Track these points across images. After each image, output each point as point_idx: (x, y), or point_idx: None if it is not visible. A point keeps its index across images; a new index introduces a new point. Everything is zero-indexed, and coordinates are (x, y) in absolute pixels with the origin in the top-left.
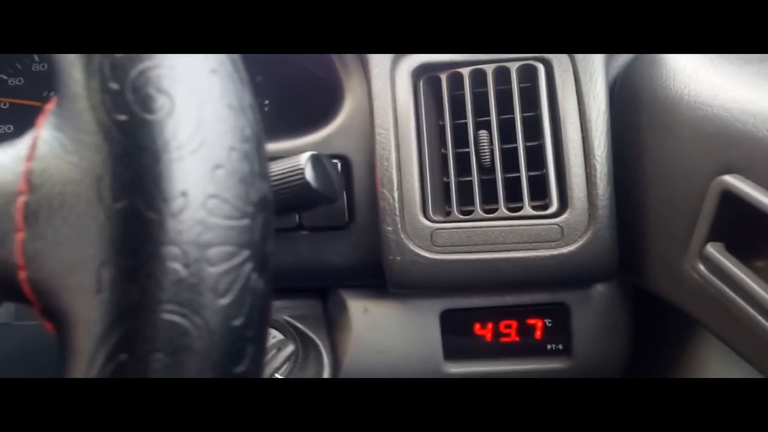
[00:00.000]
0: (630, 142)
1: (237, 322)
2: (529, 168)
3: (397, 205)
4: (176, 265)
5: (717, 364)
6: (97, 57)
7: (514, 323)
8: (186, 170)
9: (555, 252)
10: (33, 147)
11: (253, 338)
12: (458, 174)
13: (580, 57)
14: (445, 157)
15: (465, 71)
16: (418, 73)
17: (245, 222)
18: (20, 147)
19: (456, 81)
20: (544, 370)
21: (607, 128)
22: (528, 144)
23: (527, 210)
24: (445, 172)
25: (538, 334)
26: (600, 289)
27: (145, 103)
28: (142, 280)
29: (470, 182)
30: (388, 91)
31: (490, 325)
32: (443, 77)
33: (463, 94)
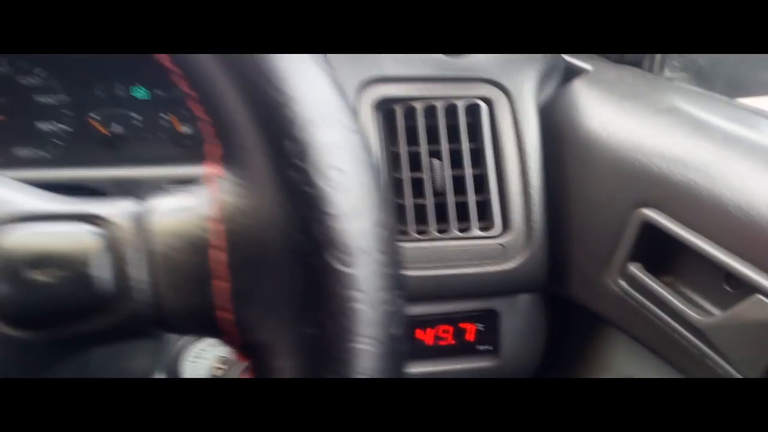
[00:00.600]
0: (557, 173)
1: (399, 347)
2: (474, 193)
3: None
4: (363, 307)
5: (621, 358)
6: (281, 138)
7: (450, 328)
8: (361, 230)
9: (498, 268)
10: (220, 209)
11: (406, 357)
12: (411, 197)
13: (516, 98)
14: (397, 181)
15: (418, 105)
16: (378, 105)
17: (398, 269)
18: (201, 206)
19: (409, 113)
20: (476, 369)
21: (541, 162)
22: (474, 172)
23: (475, 231)
24: (398, 194)
25: (470, 336)
26: (524, 296)
27: (325, 176)
28: (340, 319)
29: (421, 205)
30: None
31: (431, 331)
32: (398, 109)
33: (415, 125)
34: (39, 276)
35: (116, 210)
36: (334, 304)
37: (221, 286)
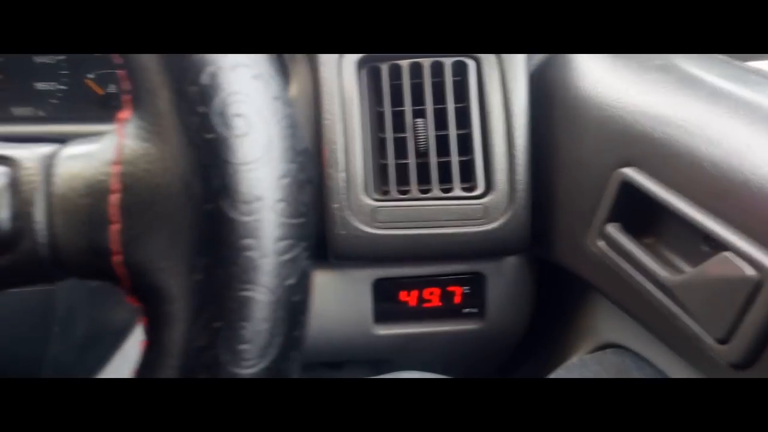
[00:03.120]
0: (544, 134)
1: (296, 298)
2: (458, 153)
3: (342, 184)
4: (255, 255)
5: (603, 324)
6: (185, 82)
7: (436, 290)
8: (261, 179)
9: (479, 229)
10: (119, 152)
11: (305, 310)
12: (395, 157)
13: (505, 56)
14: (381, 140)
15: (404, 63)
16: (362, 62)
17: (303, 220)
18: (105, 151)
19: (395, 72)
20: (461, 331)
21: (528, 121)
22: (458, 132)
23: (457, 191)
24: (382, 154)
25: (457, 299)
26: (511, 260)
27: (228, 124)
28: (229, 266)
29: (405, 164)
30: (335, 79)
31: (415, 292)
32: (383, 68)
33: (401, 84)
34: None
35: (27, 152)
36: (224, 251)
37: (114, 229)
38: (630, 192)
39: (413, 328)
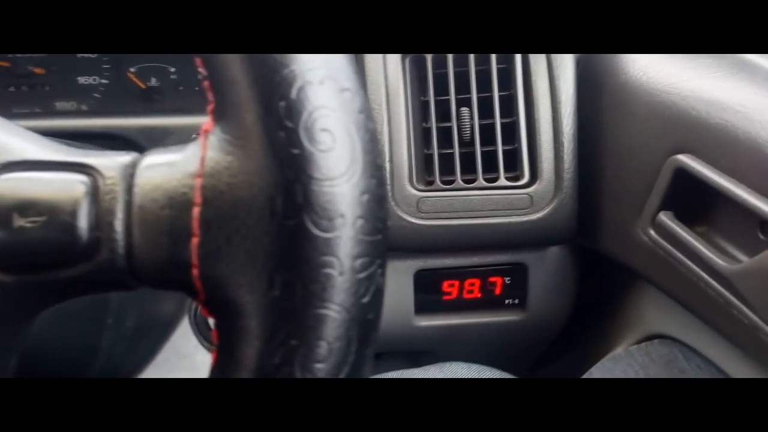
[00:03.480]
0: (592, 121)
1: (370, 316)
2: (503, 142)
3: (387, 175)
4: (334, 272)
5: (651, 314)
6: (275, 97)
7: (477, 281)
8: (344, 195)
9: (525, 218)
10: (202, 165)
11: (377, 327)
12: (440, 146)
13: None
14: (426, 130)
15: None
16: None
17: (379, 237)
18: (188, 163)
19: (439, 61)
20: (502, 322)
21: (575, 109)
22: (503, 120)
23: (502, 181)
24: (427, 144)
25: (498, 290)
26: (554, 250)
27: (314, 139)
28: (309, 283)
29: (450, 154)
30: (380, 69)
31: (456, 283)
32: (428, 57)
33: (446, 73)
34: (22, 221)
35: (109, 161)
36: (305, 268)
37: (192, 240)
38: (684, 179)
39: (454, 320)
